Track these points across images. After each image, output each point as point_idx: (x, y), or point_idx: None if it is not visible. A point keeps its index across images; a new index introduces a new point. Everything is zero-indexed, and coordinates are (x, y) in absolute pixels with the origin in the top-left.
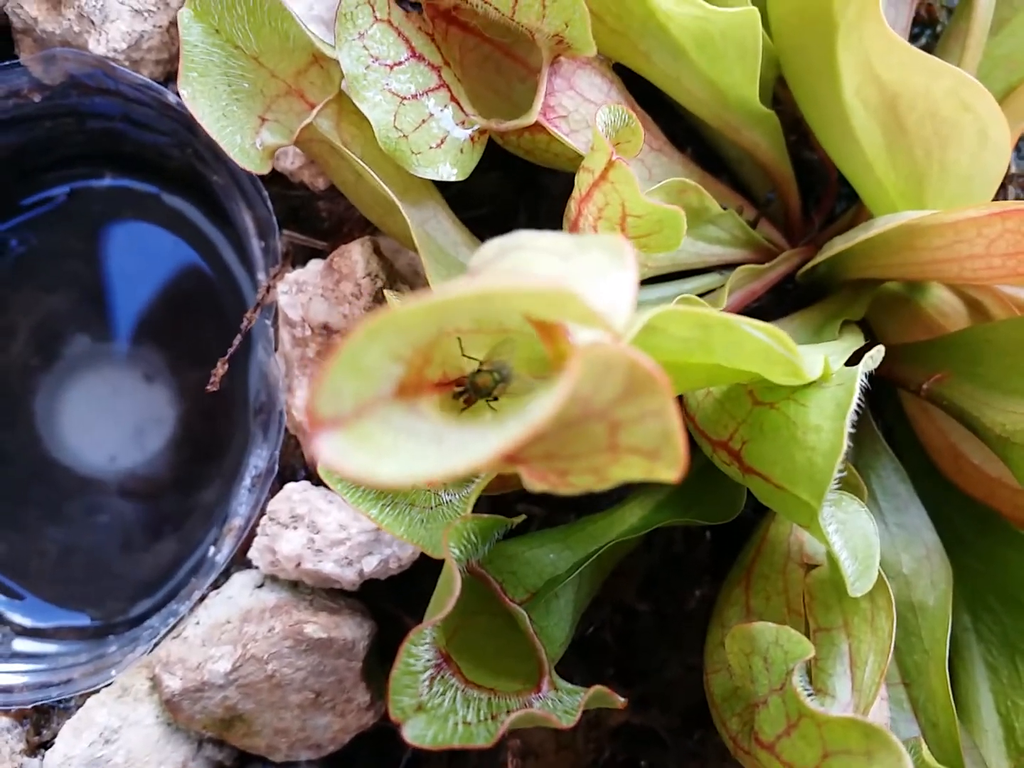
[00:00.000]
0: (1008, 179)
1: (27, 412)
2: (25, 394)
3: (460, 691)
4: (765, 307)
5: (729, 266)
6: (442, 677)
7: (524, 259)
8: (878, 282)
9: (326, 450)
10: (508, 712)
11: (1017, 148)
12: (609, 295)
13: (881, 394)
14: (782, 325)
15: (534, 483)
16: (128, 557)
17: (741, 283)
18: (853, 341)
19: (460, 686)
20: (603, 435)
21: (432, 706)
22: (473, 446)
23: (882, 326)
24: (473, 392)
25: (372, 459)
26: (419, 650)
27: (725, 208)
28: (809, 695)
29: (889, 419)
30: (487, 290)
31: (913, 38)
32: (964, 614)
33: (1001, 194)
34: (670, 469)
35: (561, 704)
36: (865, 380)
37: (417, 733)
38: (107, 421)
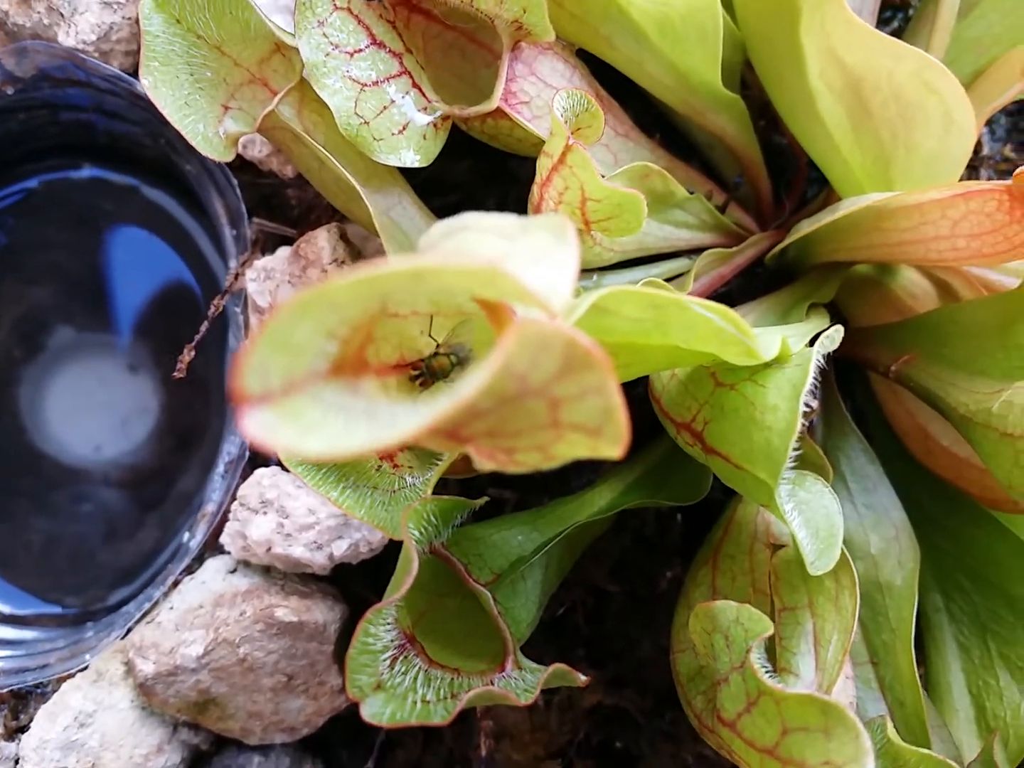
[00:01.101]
0: (979, 161)
1: (11, 403)
2: (8, 385)
3: (423, 671)
4: (734, 291)
5: (698, 251)
6: (405, 658)
7: (469, 240)
8: (847, 265)
9: (252, 425)
10: (469, 691)
11: (992, 130)
12: (548, 275)
13: (852, 376)
14: (750, 308)
15: (483, 462)
16: (110, 546)
17: (709, 267)
18: (818, 323)
19: (423, 666)
20: (544, 412)
21: (392, 685)
22: (403, 420)
23: (852, 309)
24: (429, 375)
25: (299, 434)
26: (378, 630)
27: (693, 193)
28: (768, 672)
29: (860, 401)
30: (419, 267)
31: (885, 22)
32: (935, 594)
33: (973, 176)
34: (613, 446)
35: (523, 683)
36: (821, 360)
37: (375, 711)
38: (89, 411)
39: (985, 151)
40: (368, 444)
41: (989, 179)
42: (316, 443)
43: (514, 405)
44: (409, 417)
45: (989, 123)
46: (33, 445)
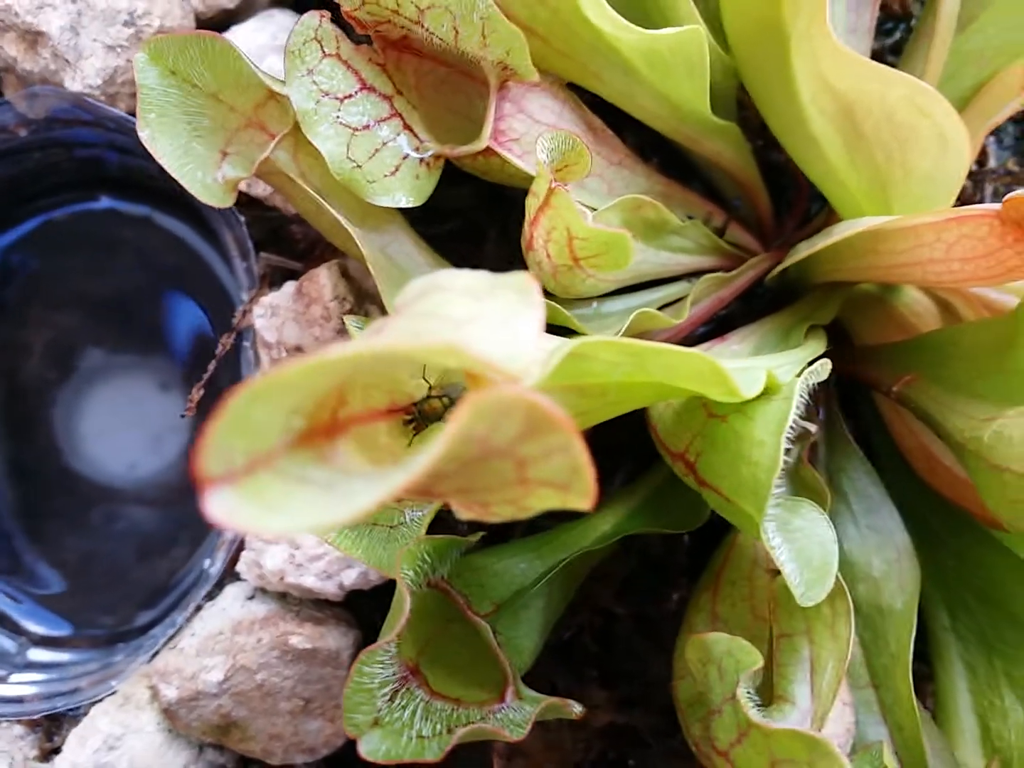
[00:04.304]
0: (983, 175)
1: (45, 425)
2: (42, 408)
3: (424, 703)
4: (735, 313)
5: (699, 273)
6: (407, 690)
7: (439, 300)
8: (850, 284)
9: (213, 507)
10: (466, 725)
11: (999, 139)
12: (509, 340)
13: (858, 394)
14: (751, 331)
15: (462, 512)
16: (141, 565)
17: (708, 291)
18: (814, 347)
19: (425, 698)
20: (511, 471)
21: (390, 720)
22: (358, 495)
23: (856, 326)
24: (421, 419)
25: (259, 514)
26: (373, 668)
27: (691, 217)
28: (756, 705)
29: (866, 419)
30: (376, 351)
31: (887, 33)
32: (943, 613)
33: (978, 191)
34: (582, 499)
35: (518, 716)
36: (805, 396)
37: (371, 748)
38: (120, 432)
39: (991, 163)
40: (327, 520)
41: (996, 193)
42: (276, 523)
43: (480, 466)
44: (363, 493)
45: (996, 132)
46: (68, 466)
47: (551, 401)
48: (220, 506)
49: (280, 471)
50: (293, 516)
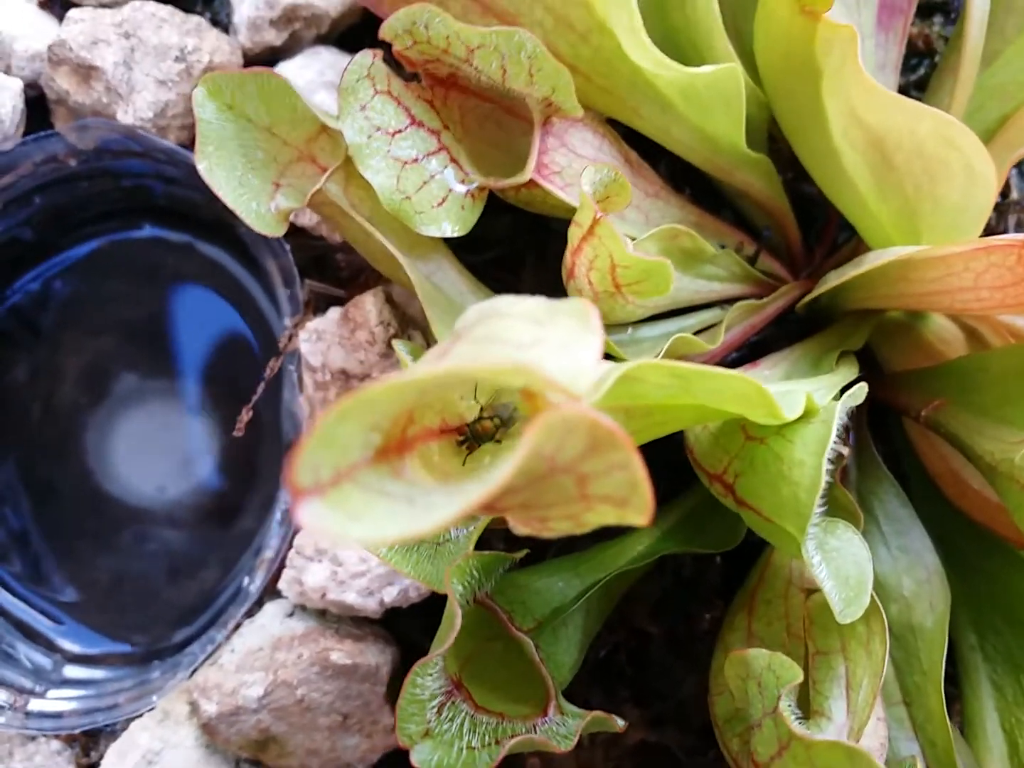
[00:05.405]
0: (1007, 207)
1: (78, 448)
2: (76, 431)
3: (469, 716)
4: (767, 339)
5: (731, 301)
6: (453, 703)
7: (501, 327)
8: (879, 312)
9: (304, 515)
10: (512, 737)
11: (1022, 172)
12: (572, 362)
13: (887, 418)
14: (783, 356)
15: (519, 528)
16: (173, 584)
17: (740, 318)
18: (847, 373)
19: (470, 711)
20: (573, 487)
21: (439, 732)
22: (439, 509)
23: (886, 353)
24: (474, 439)
25: (344, 522)
26: (425, 680)
27: (723, 247)
28: (798, 719)
29: (895, 443)
30: (451, 371)
31: (911, 69)
32: (971, 633)
33: (1001, 223)
34: (639, 515)
35: (563, 729)
36: (845, 418)
37: (423, 758)
38: (152, 455)
39: (1014, 195)
40: (408, 531)
41: (1019, 223)
42: (360, 531)
43: (545, 482)
44: (443, 507)
45: (1020, 165)
46: (100, 488)
47: (612, 420)
48: (309, 515)
49: (362, 484)
50: (376, 526)
